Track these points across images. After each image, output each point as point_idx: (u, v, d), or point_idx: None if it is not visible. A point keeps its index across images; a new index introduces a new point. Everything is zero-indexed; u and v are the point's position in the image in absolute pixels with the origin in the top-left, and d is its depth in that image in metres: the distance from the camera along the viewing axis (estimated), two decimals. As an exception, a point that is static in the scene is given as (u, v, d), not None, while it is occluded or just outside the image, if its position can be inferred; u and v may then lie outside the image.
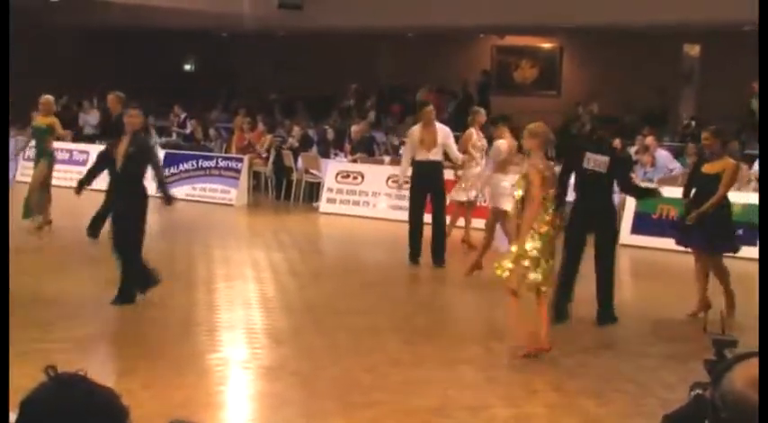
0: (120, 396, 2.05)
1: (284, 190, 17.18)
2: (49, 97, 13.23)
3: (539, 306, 7.22)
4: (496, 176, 10.57)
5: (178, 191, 16.99)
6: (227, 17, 19.78)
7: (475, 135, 12.04)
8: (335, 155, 17.08)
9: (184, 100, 20.79)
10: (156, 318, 8.45)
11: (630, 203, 12.95)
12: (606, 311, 8.53)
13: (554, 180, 7.37)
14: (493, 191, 10.73)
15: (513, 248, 7.12)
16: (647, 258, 12.31)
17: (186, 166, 17.06)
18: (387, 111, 22.32)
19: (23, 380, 6.63)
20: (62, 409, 2.02)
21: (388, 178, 15.42)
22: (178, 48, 25.15)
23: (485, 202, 11.97)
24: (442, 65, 22.28)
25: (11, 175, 19.17)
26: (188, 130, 19.59)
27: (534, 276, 7.03)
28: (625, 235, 12.96)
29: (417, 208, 11.02)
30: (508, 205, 9.19)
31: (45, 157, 13.06)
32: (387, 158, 16.70)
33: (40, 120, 13.14)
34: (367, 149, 16.90)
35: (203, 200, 16.45)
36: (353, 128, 17.65)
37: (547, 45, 22.09)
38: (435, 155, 10.96)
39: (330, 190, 15.77)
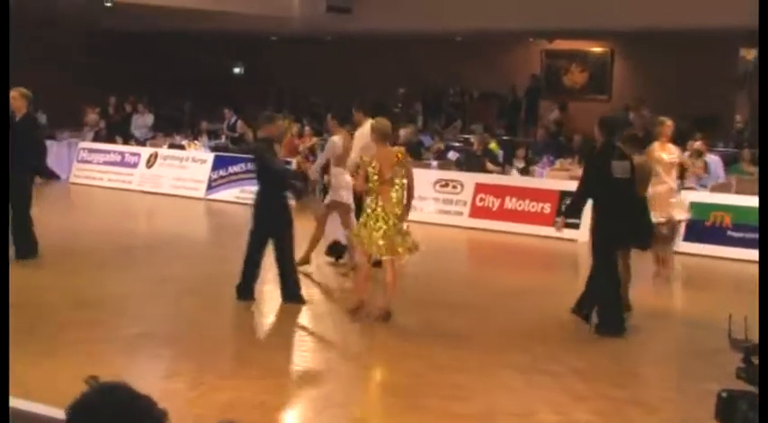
0: (157, 403, 2.10)
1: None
2: None
3: (390, 270, 8.35)
4: (336, 170, 10.71)
5: (227, 193, 17.21)
6: (277, 21, 19.91)
7: (658, 149, 10.44)
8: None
9: (234, 103, 20.98)
10: (203, 319, 8.53)
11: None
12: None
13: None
14: (334, 183, 10.84)
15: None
16: (700, 266, 12.12)
17: (235, 168, 17.20)
18: (434, 115, 22.30)
19: (73, 381, 6.68)
20: (105, 415, 2.07)
21: (436, 182, 15.42)
22: (228, 51, 25.38)
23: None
24: (489, 69, 22.21)
25: (64, 176, 19.52)
26: (237, 133, 19.75)
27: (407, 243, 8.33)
28: (679, 242, 12.80)
29: None
30: (349, 198, 10.35)
31: None
32: (434, 162, 16.67)
33: None
34: (414, 153, 16.89)
35: (252, 202, 16.56)
36: (401, 132, 17.66)
37: (597, 49, 21.91)
38: None
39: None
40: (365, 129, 11.25)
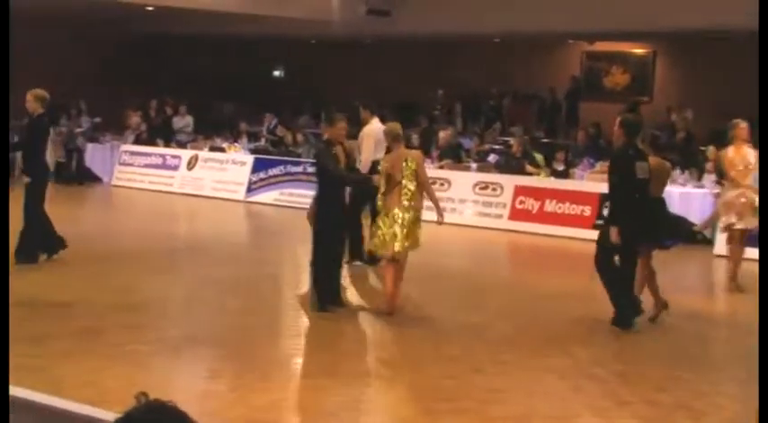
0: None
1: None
2: None
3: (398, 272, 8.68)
4: None
5: (266, 196, 17.29)
6: (316, 24, 19.96)
7: (732, 152, 10.26)
8: (422, 161, 17.06)
9: (273, 106, 21.07)
10: (243, 321, 8.56)
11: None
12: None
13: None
14: None
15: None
16: (749, 270, 11.91)
17: (274, 171, 17.27)
18: (473, 117, 22.22)
19: (116, 381, 6.77)
20: None
21: (475, 185, 15.36)
22: (268, 55, 25.50)
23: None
24: (529, 71, 22.09)
25: (105, 179, 19.72)
26: (277, 137, 19.84)
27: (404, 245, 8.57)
28: (720, 245, 12.63)
29: None
30: None
31: None
32: (474, 165, 16.62)
33: None
34: (454, 156, 16.86)
35: (291, 205, 16.59)
36: (441, 134, 17.62)
37: (639, 50, 21.71)
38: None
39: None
40: (371, 127, 11.44)
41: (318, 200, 8.92)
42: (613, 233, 8.27)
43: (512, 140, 17.53)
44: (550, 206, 14.48)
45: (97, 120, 21.02)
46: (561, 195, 14.44)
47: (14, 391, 2.86)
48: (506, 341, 8.02)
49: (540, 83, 21.79)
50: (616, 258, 8.45)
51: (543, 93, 21.95)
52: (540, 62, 22.33)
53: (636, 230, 8.35)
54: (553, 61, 22.56)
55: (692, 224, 13.86)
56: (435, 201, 8.98)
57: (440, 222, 8.86)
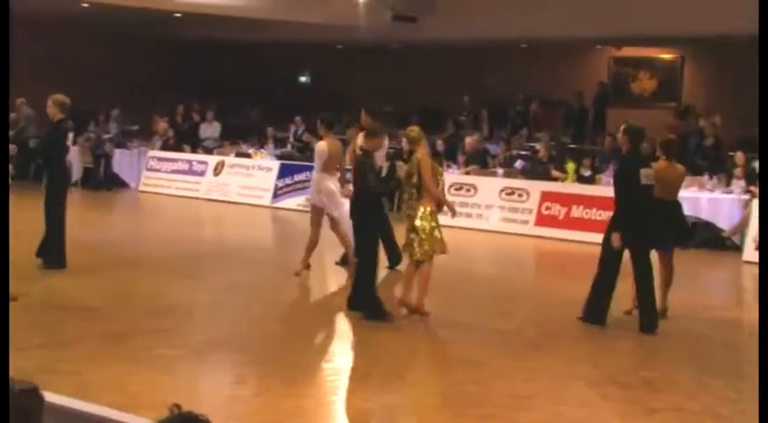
0: None
1: (397, 201, 17.21)
2: None
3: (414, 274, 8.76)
4: (318, 175, 10.79)
5: (292, 201, 17.31)
6: (343, 30, 20.00)
7: None
8: (448, 167, 17.04)
9: (300, 112, 21.12)
10: (269, 327, 8.58)
11: (755, 220, 12.49)
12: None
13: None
14: (314, 188, 10.96)
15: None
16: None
17: (300, 177, 17.29)
18: (500, 123, 22.17)
19: (142, 385, 6.79)
20: None
21: (501, 190, 15.32)
22: (294, 60, 25.57)
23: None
24: (555, 76, 22.00)
25: (132, 185, 19.85)
26: (303, 143, 19.86)
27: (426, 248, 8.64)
28: (749, 251, 12.52)
29: None
30: (323, 203, 10.59)
31: None
32: (500, 170, 16.57)
33: None
34: (480, 161, 16.82)
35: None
36: (467, 140, 17.59)
37: (667, 56, 21.57)
38: None
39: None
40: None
41: (357, 206, 8.88)
42: (615, 238, 8.46)
43: (538, 145, 17.47)
44: (577, 212, 14.41)
45: (135, 127, 21.16)
46: (588, 201, 14.36)
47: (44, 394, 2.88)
48: (533, 347, 7.98)
49: (567, 88, 21.70)
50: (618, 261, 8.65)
51: (570, 98, 21.86)
52: (567, 68, 22.24)
53: (642, 235, 8.53)
54: (580, 67, 22.46)
55: (721, 230, 13.76)
56: (440, 198, 9.02)
57: (452, 216, 9.33)
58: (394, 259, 10.92)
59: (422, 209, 8.72)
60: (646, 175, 8.56)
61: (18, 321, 8.00)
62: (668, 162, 9.12)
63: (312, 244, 10.62)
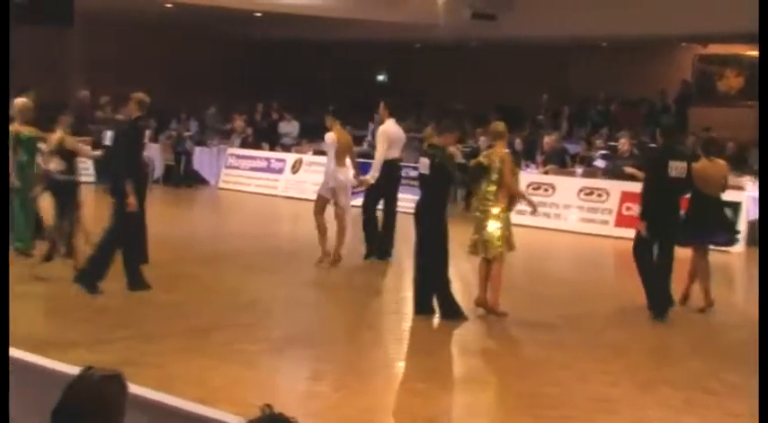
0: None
1: (466, 198, 17.10)
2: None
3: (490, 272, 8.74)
4: (335, 168, 11.06)
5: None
6: (421, 28, 19.98)
7: None
8: (527, 166, 16.88)
9: (377, 110, 21.16)
10: (346, 325, 8.61)
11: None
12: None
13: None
14: (324, 179, 11.30)
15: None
16: None
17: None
18: (580, 121, 21.89)
19: (223, 379, 6.85)
20: None
21: (580, 190, 15.11)
22: (372, 59, 25.64)
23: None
24: (637, 75, 21.63)
25: (212, 182, 20.12)
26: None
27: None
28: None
29: None
30: (333, 194, 10.97)
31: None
32: (579, 170, 16.35)
33: (23, 129, 10.51)
34: (559, 161, 16.62)
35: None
36: (545, 139, 17.40)
37: (754, 52, 21.03)
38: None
39: (519, 202, 15.57)
40: (386, 127, 11.81)
41: (431, 206, 8.74)
42: (642, 227, 8.86)
43: (620, 143, 17.18)
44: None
45: (228, 126, 21.35)
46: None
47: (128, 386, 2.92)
48: (615, 350, 7.84)
49: (650, 87, 21.32)
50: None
51: (653, 97, 21.47)
52: (650, 66, 21.85)
53: (668, 226, 8.88)
54: (663, 65, 22.05)
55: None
56: (521, 194, 9.26)
57: (532, 212, 9.58)
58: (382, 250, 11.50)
59: (496, 207, 8.64)
60: (676, 167, 8.80)
61: (103, 315, 8.19)
62: (708, 160, 9.35)
63: (323, 231, 11.00)
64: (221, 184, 19.82)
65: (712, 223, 9.37)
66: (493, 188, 8.67)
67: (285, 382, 6.90)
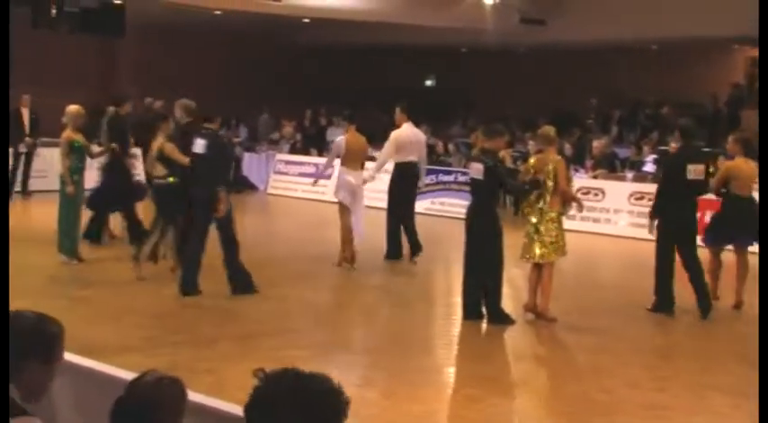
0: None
1: (515, 203, 17.03)
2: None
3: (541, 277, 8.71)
4: (342, 170, 11.14)
5: (418, 205, 17.27)
6: (469, 33, 19.95)
7: None
8: (576, 170, 16.76)
9: (425, 115, 21.17)
10: (395, 330, 8.61)
11: None
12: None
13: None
14: (336, 184, 11.39)
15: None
16: None
17: (426, 180, 17.27)
18: (629, 126, 21.68)
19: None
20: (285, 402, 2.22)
21: (631, 195, 14.96)
22: (419, 64, 25.65)
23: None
24: (687, 78, 21.39)
25: (261, 188, 20.26)
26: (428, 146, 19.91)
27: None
28: None
29: None
30: (346, 198, 11.04)
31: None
32: (629, 175, 16.19)
33: (76, 136, 10.71)
34: (608, 165, 16.48)
35: (442, 214, 16.63)
36: (594, 143, 17.27)
37: (808, 54, 20.68)
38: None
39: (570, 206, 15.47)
40: (399, 131, 11.99)
41: (484, 210, 8.77)
42: (651, 226, 9.17)
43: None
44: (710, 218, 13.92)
45: (275, 136, 21.54)
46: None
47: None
48: (665, 356, 7.77)
49: (701, 90, 21.05)
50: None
51: (704, 101, 21.20)
52: (701, 69, 21.59)
53: (685, 227, 9.04)
54: (714, 68, 21.76)
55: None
56: (576, 198, 9.13)
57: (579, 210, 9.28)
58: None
59: (549, 212, 8.60)
60: (694, 170, 8.95)
61: (156, 320, 8.30)
62: (744, 159, 9.48)
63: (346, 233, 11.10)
64: (270, 190, 19.96)
65: (746, 222, 9.36)
66: (546, 194, 8.65)
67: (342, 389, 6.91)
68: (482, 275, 8.63)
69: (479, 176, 8.67)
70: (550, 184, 8.62)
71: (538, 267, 8.75)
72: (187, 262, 9.31)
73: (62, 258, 10.56)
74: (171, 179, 9.89)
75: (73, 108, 10.78)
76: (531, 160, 9.03)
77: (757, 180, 9.60)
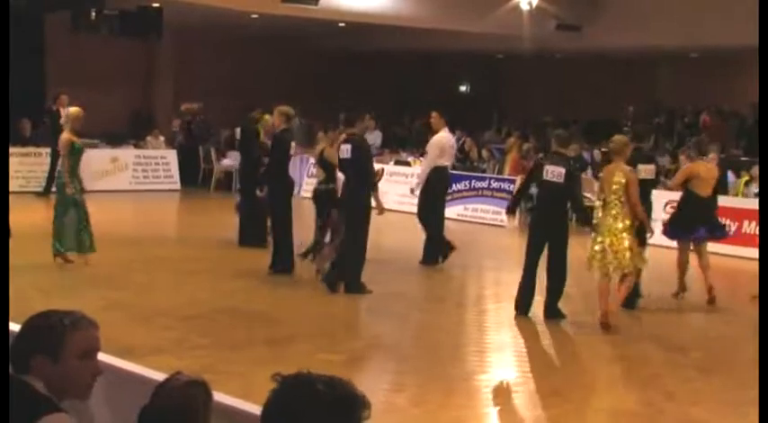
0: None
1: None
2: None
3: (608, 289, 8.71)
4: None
5: (451, 210, 17.23)
6: (505, 39, 19.87)
7: None
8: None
9: (460, 121, 21.12)
10: (427, 335, 8.56)
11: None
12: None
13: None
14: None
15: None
16: None
17: (459, 186, 17.23)
18: (666, 134, 21.49)
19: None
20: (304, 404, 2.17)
21: (667, 203, 14.78)
22: (454, 69, 25.60)
23: None
24: (727, 86, 21.15)
25: (295, 191, 20.23)
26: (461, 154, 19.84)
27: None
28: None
29: None
30: None
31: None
32: (666, 183, 16.01)
33: (76, 138, 10.68)
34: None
35: (475, 220, 16.55)
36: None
37: None
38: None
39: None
40: (439, 136, 11.93)
41: (561, 214, 9.04)
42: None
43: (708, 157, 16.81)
44: (749, 228, 13.75)
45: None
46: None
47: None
48: (707, 370, 7.63)
49: (740, 99, 20.81)
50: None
51: (744, 109, 20.97)
52: (741, 78, 21.32)
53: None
54: (755, 76, 21.48)
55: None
56: (644, 219, 8.92)
57: (650, 236, 9.26)
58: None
59: (621, 223, 8.60)
60: (644, 170, 9.45)
61: (187, 323, 8.30)
62: (704, 162, 10.25)
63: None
64: (303, 193, 19.96)
65: (705, 220, 10.18)
66: (617, 204, 8.61)
67: (365, 392, 6.86)
68: (555, 276, 8.85)
69: (559, 180, 8.71)
70: (613, 197, 8.60)
71: (606, 277, 8.72)
72: (353, 264, 9.52)
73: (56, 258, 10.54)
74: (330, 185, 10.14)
75: (74, 110, 10.87)
76: (601, 174, 9.17)
77: (716, 182, 10.32)
